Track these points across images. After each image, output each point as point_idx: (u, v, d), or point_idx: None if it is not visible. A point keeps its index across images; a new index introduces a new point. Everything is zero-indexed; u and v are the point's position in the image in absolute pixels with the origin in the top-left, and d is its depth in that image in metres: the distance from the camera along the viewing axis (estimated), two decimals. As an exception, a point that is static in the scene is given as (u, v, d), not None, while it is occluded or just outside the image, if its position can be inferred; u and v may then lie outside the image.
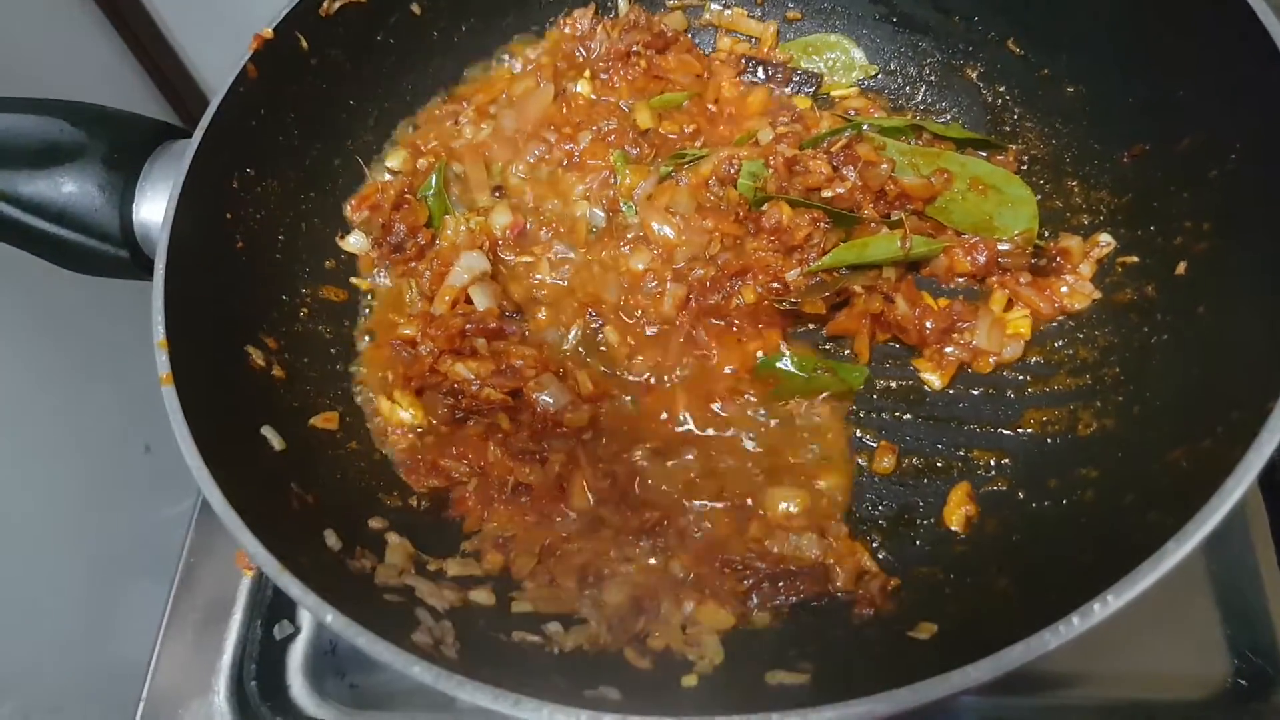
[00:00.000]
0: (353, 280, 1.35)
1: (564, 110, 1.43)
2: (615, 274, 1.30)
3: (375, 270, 1.35)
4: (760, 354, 1.22)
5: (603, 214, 1.34)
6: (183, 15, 2.01)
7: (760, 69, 1.47)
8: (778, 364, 1.21)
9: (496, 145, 1.41)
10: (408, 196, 1.35)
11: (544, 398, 1.19)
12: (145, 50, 2.01)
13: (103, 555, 1.68)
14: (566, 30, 1.50)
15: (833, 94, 1.45)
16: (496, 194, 1.39)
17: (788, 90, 1.46)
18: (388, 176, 1.41)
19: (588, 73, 1.46)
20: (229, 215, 1.20)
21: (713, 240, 1.27)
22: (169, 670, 1.32)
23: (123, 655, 1.44)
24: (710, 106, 1.45)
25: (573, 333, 1.28)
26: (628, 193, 1.33)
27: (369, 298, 1.35)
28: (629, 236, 1.31)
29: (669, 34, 1.49)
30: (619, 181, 1.34)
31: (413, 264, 1.32)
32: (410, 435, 1.22)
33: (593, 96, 1.45)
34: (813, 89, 1.45)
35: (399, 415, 1.21)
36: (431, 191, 1.35)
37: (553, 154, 1.39)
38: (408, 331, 1.24)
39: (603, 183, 1.35)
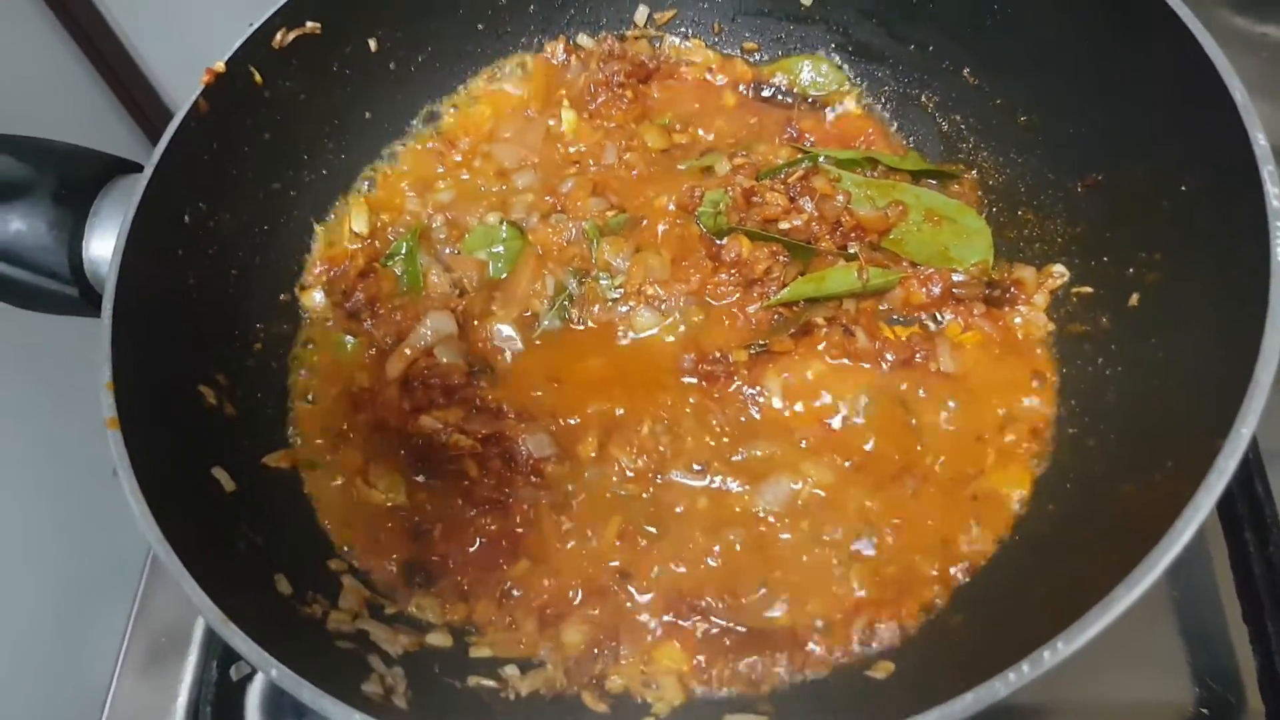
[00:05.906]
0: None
1: (558, 145, 1.41)
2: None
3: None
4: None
5: (576, 282, 1.27)
6: (152, 40, 2.00)
7: (753, 87, 1.46)
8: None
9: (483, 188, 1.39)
10: (375, 265, 1.32)
11: (528, 444, 1.15)
12: (116, 76, 2.00)
13: (68, 581, 1.65)
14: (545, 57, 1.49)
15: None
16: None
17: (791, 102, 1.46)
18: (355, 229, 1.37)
19: (565, 101, 1.45)
20: (180, 251, 1.18)
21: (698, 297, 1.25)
22: (124, 711, 1.29)
23: (84, 686, 1.40)
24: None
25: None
26: (605, 264, 1.28)
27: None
28: (622, 311, 1.25)
29: (650, 64, 1.47)
30: (594, 255, 1.28)
31: (366, 324, 1.29)
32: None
33: (574, 143, 1.42)
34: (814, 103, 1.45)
35: (374, 496, 1.16)
36: (403, 252, 1.32)
37: (542, 201, 1.35)
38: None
39: (576, 239, 1.30)
